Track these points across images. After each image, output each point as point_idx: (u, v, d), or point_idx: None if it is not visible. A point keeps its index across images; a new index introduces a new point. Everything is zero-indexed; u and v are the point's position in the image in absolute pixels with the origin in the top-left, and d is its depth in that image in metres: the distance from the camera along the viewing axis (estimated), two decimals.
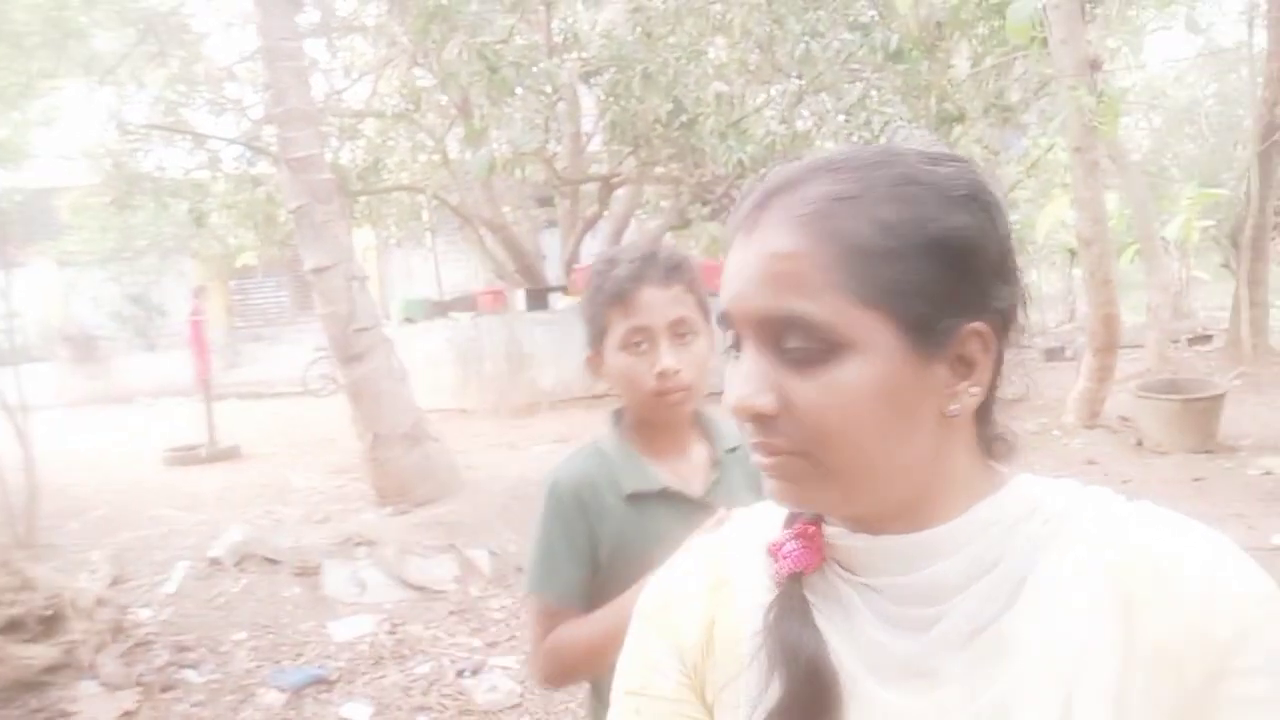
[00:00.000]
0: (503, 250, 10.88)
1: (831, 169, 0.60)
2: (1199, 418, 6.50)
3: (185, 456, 7.49)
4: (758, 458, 0.61)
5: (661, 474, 1.36)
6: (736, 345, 0.62)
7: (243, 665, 3.91)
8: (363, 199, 10.49)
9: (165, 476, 7.05)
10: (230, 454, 7.61)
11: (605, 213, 10.18)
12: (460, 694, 3.59)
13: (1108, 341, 6.92)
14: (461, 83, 6.32)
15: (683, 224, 11.65)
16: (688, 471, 1.39)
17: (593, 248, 11.02)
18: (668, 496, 1.34)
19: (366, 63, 9.75)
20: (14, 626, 3.91)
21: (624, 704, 0.71)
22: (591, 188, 9.94)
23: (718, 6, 7.00)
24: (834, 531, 0.64)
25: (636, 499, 1.34)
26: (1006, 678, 0.59)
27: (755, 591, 0.66)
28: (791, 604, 0.63)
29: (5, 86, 9.51)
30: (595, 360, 1.41)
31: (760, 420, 0.60)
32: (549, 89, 6.77)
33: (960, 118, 6.85)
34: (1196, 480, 5.80)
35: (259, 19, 5.34)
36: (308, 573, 4.75)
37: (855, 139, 6.60)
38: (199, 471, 7.04)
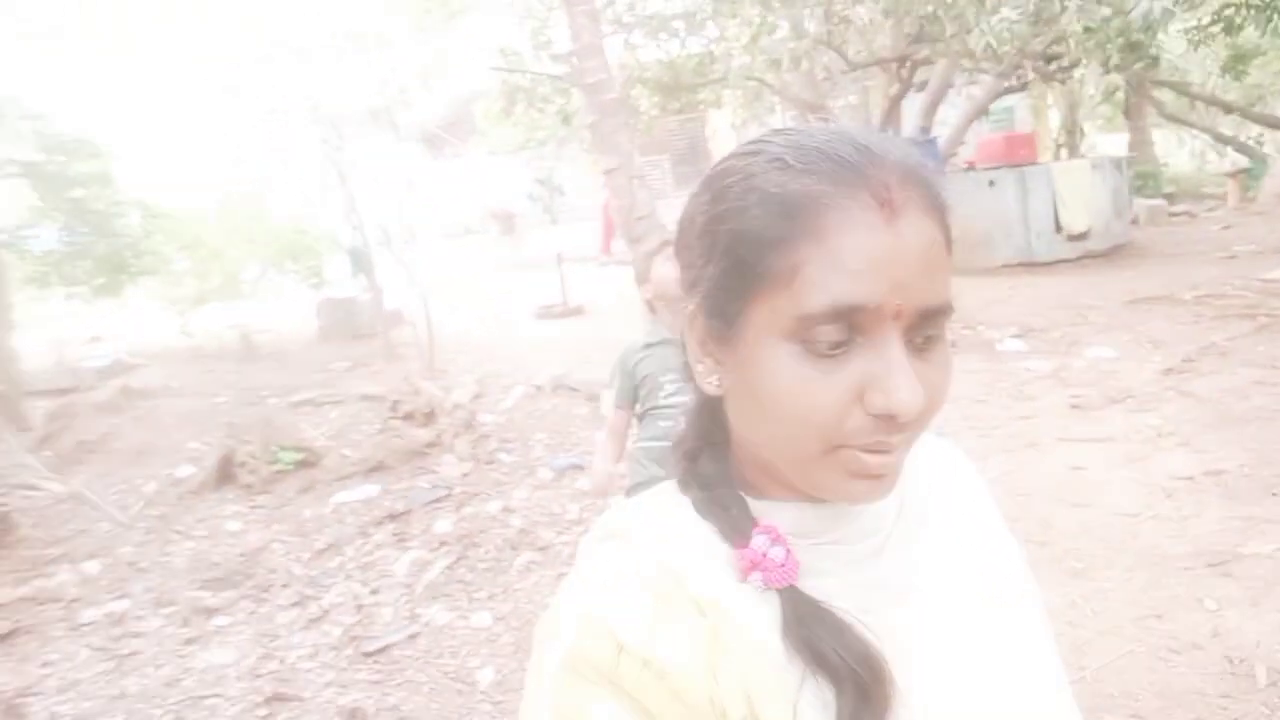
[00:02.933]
0: None
1: (909, 150, 0.60)
2: None
3: (546, 312, 9.78)
4: (880, 460, 0.57)
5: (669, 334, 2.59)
6: (853, 339, 0.56)
7: (536, 454, 5.83)
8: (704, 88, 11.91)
9: (531, 326, 9.40)
10: (578, 311, 9.77)
11: (912, 90, 10.51)
12: None
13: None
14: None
15: (1019, 86, 11.45)
16: None
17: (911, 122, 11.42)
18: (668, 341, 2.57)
19: None
20: (408, 417, 6.23)
21: None
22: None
23: None
24: (784, 505, 0.64)
25: (650, 346, 2.65)
26: (950, 557, 0.69)
27: (750, 611, 0.60)
28: (814, 612, 0.60)
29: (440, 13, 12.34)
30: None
31: (901, 423, 0.56)
32: None
33: None
34: None
35: None
36: (592, 398, 6.57)
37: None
38: (554, 324, 9.27)
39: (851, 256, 0.54)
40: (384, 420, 6.21)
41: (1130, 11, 5.81)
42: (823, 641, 0.59)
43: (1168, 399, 5.47)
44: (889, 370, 0.55)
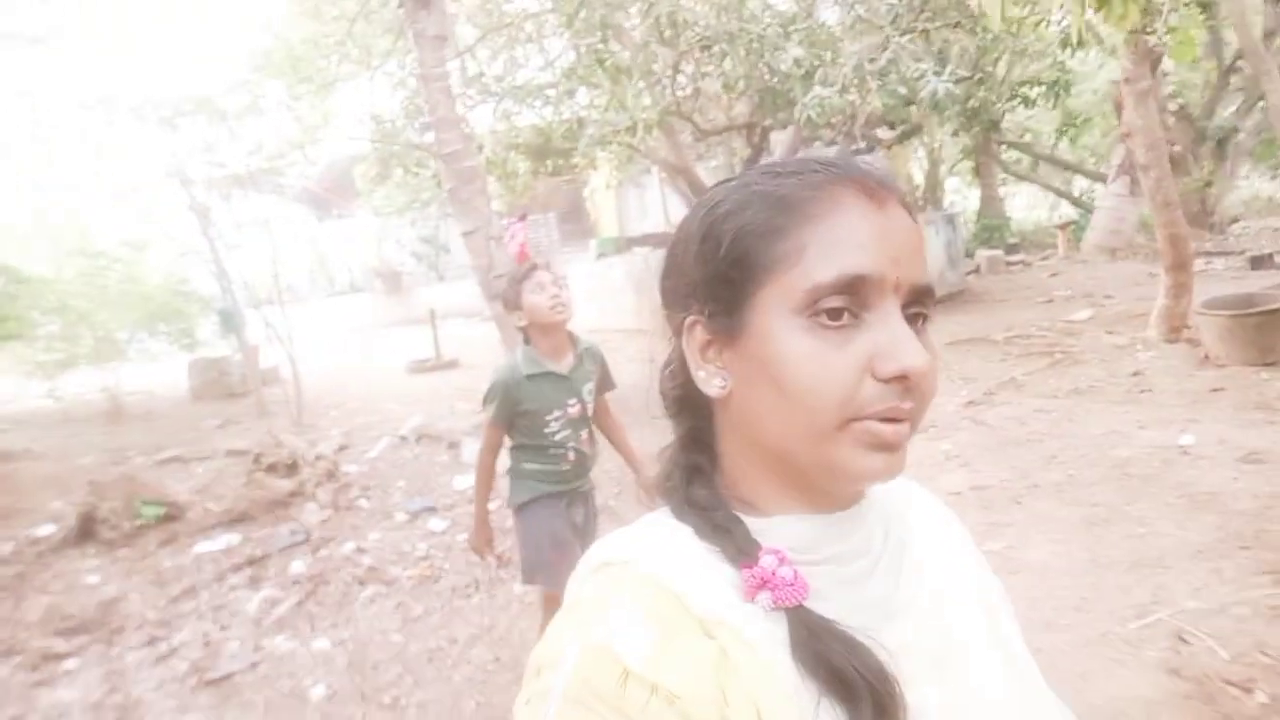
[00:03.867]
0: (689, 190, 12.46)
1: (877, 165, 0.68)
2: (1253, 332, 6.73)
3: (419, 366, 10.12)
4: (895, 429, 0.60)
5: (546, 362, 2.74)
6: (857, 312, 0.60)
7: (394, 499, 6.15)
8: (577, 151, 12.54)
9: (402, 380, 9.72)
10: (451, 364, 10.13)
11: (763, 156, 11.39)
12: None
13: (1177, 260, 7.23)
14: (580, 73, 8.02)
15: (868, 149, 12.41)
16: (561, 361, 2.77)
17: None
18: (549, 375, 2.73)
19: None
20: (271, 469, 6.46)
21: None
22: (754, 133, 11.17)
23: None
24: (781, 520, 0.66)
25: (532, 378, 2.73)
26: (933, 583, 0.73)
27: (758, 631, 0.61)
28: (825, 630, 0.61)
29: (313, 84, 12.68)
30: (516, 308, 2.77)
31: (913, 383, 0.60)
32: (657, 68, 8.26)
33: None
34: (1214, 390, 6.24)
35: (418, 55, 7.39)
36: (453, 445, 6.94)
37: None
38: (426, 377, 9.61)
39: (853, 233, 0.59)
40: (248, 473, 6.43)
41: (920, 94, 6.63)
42: (838, 657, 0.59)
43: (963, 427, 6.18)
44: (895, 337, 0.59)
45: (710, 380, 0.66)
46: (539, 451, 2.81)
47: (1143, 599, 3.38)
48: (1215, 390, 6.22)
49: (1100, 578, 3.63)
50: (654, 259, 11.67)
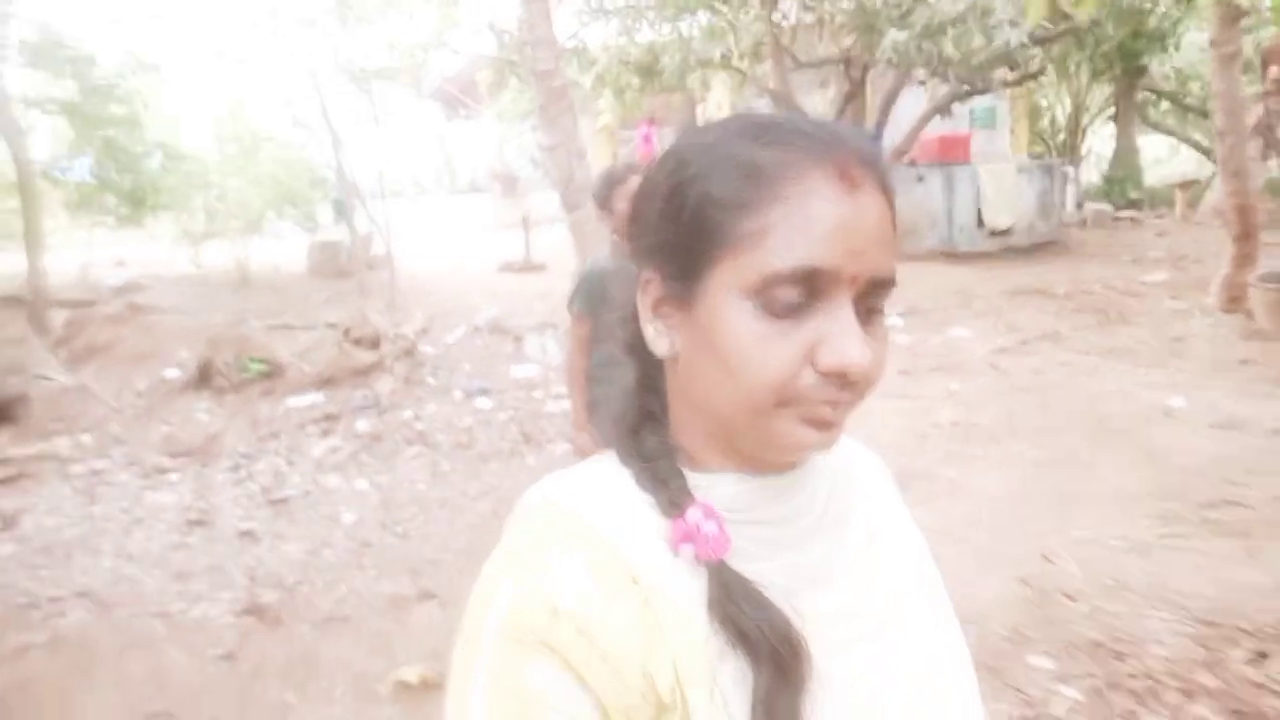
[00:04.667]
0: None
1: (864, 136, 0.64)
2: None
3: (508, 266, 10.92)
4: (828, 413, 0.61)
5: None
6: (809, 301, 0.59)
7: (456, 379, 7.00)
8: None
9: (492, 278, 10.55)
10: (539, 267, 10.88)
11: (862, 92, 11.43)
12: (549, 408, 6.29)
13: (1243, 230, 7.17)
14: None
15: (982, 89, 12.29)
16: None
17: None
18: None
19: None
20: (358, 342, 7.40)
21: None
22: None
23: None
24: (722, 478, 0.66)
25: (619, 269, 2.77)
26: (872, 551, 0.74)
27: (679, 583, 0.63)
28: (740, 588, 0.62)
29: None
30: (606, 215, 2.91)
31: (851, 379, 0.60)
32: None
33: None
34: (1243, 361, 6.33)
35: None
36: (518, 339, 7.72)
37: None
38: (512, 277, 10.40)
39: (816, 223, 0.58)
40: (338, 344, 7.39)
41: (994, 41, 6.75)
42: (745, 617, 0.61)
43: (982, 371, 6.51)
44: (841, 331, 0.59)
45: (658, 339, 0.67)
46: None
47: (1043, 527, 3.81)
48: (1244, 361, 6.31)
49: (1021, 506, 4.06)
50: None
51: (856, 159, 0.61)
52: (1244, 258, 7.32)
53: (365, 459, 5.39)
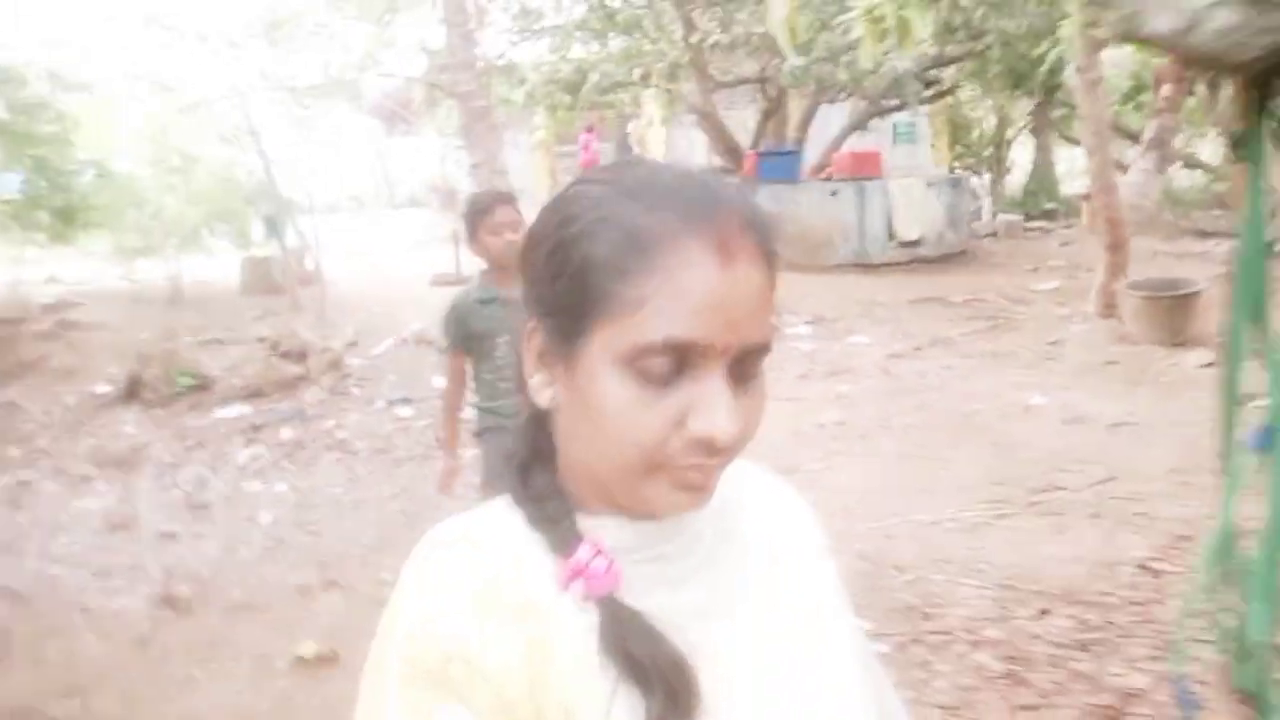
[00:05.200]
0: (714, 133, 13.16)
1: (749, 199, 0.65)
2: (1164, 314, 7.32)
3: (439, 279, 11.24)
4: (697, 478, 0.63)
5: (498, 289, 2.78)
6: (681, 369, 0.60)
7: (380, 390, 7.31)
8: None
9: (423, 290, 10.86)
10: (467, 280, 11.13)
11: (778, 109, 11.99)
12: None
13: (1114, 241, 7.80)
14: (593, 25, 8.84)
15: (898, 106, 12.92)
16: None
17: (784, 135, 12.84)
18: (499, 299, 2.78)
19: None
20: (286, 355, 7.68)
21: None
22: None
23: None
24: (608, 521, 0.67)
25: (483, 302, 2.83)
26: (765, 585, 0.74)
27: (570, 620, 0.64)
28: (631, 621, 0.64)
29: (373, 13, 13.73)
30: (473, 243, 2.86)
31: (720, 448, 0.61)
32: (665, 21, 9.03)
33: None
34: (1108, 363, 6.91)
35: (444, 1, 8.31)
36: (443, 350, 8.03)
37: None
38: (443, 290, 10.71)
39: (690, 296, 0.59)
40: (265, 358, 7.66)
41: (882, 68, 7.27)
42: (636, 648, 0.62)
43: (871, 375, 7.00)
44: (711, 401, 0.60)
45: (541, 390, 0.68)
46: (491, 386, 2.88)
47: (891, 511, 4.27)
48: (1108, 363, 6.89)
49: (876, 495, 4.52)
50: None
51: (738, 226, 0.61)
52: (1116, 266, 7.94)
53: (286, 465, 5.69)
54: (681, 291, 0.59)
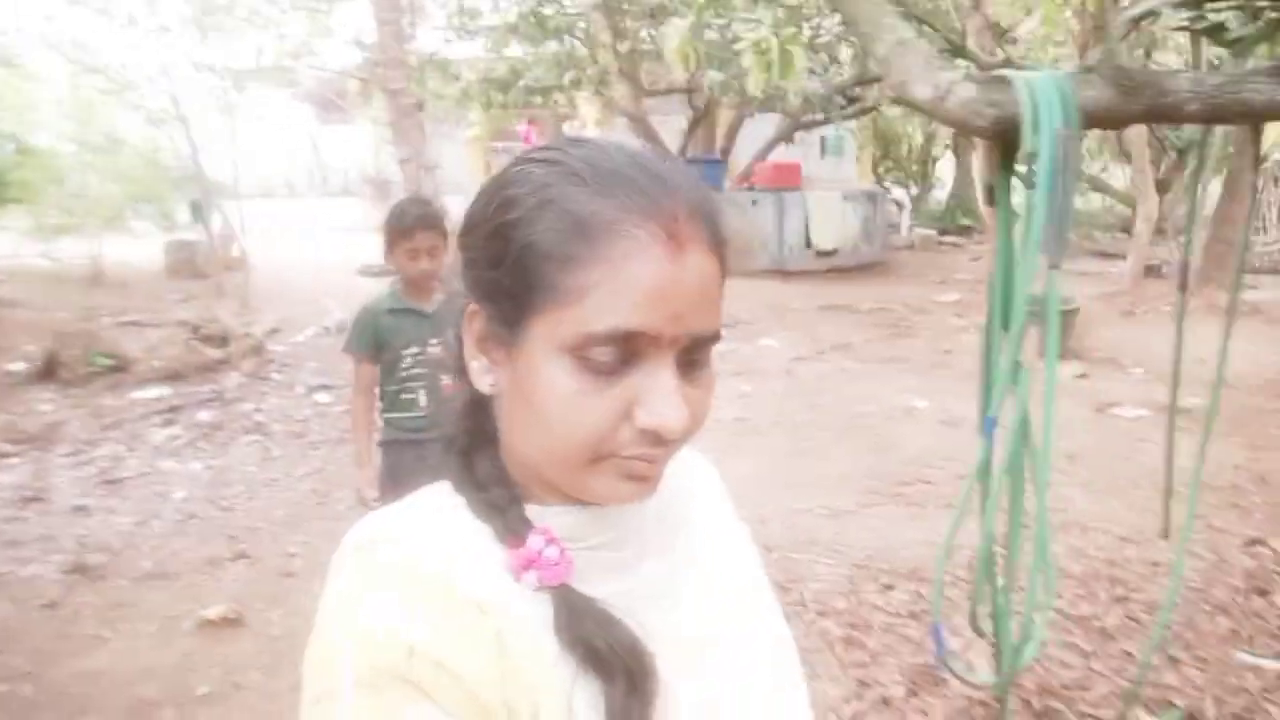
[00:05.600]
0: (645, 138, 13.50)
1: (697, 184, 0.63)
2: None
3: (366, 270, 11.39)
4: (644, 469, 0.62)
5: (409, 301, 2.79)
6: (628, 359, 0.59)
7: (301, 376, 7.47)
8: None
9: (350, 280, 11.00)
10: (394, 271, 11.28)
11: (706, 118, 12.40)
12: None
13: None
14: (523, 30, 9.10)
15: (822, 120, 13.41)
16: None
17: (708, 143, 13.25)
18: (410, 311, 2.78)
19: None
20: (207, 339, 7.79)
21: None
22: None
23: None
24: (555, 510, 0.66)
25: (393, 312, 2.79)
26: (705, 569, 0.75)
27: (525, 610, 0.63)
28: (586, 609, 0.63)
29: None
30: (389, 256, 2.81)
31: (667, 438, 0.60)
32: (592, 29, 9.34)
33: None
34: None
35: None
36: None
37: None
38: (370, 280, 10.87)
39: (638, 286, 0.57)
40: (185, 341, 7.75)
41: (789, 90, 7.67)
42: (594, 635, 0.62)
43: (776, 376, 7.42)
44: (659, 392, 0.59)
45: (482, 376, 0.66)
46: (394, 398, 2.83)
47: (770, 500, 4.65)
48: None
49: (759, 486, 4.89)
50: None
51: (687, 213, 0.60)
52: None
53: (202, 445, 5.85)
54: (629, 281, 0.58)
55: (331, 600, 0.62)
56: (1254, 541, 4.06)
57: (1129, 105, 2.01)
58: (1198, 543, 4.01)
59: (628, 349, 0.59)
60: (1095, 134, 14.50)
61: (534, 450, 0.63)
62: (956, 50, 2.55)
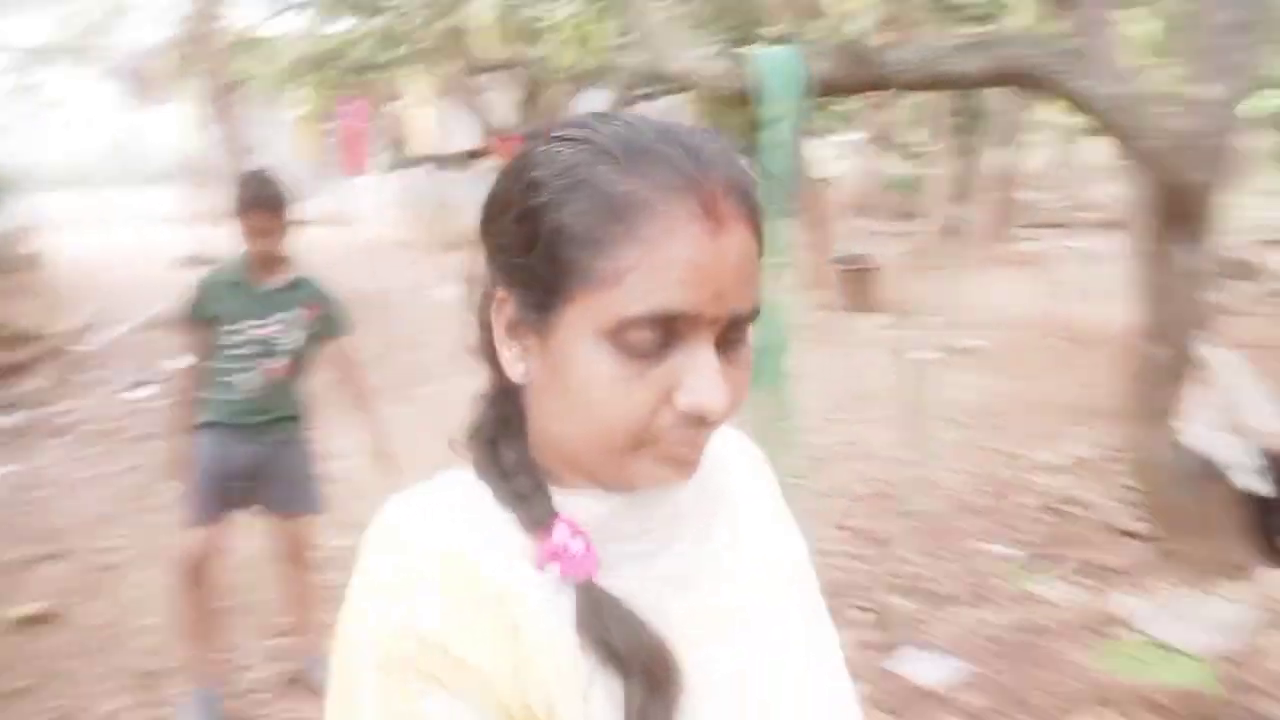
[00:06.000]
0: (478, 114, 13.41)
1: (733, 158, 0.60)
2: (854, 285, 8.49)
3: (184, 261, 10.91)
4: (686, 452, 0.61)
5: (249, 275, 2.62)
6: (667, 341, 0.58)
7: (115, 374, 7.15)
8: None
9: (168, 272, 10.51)
10: (213, 261, 10.86)
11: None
12: None
13: (814, 219, 8.91)
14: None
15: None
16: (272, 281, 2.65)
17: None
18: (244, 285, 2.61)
19: None
20: (7, 341, 7.33)
21: None
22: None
23: None
24: (586, 497, 0.65)
25: (230, 284, 2.62)
26: (743, 545, 0.73)
27: (545, 602, 0.61)
28: (609, 607, 0.61)
29: None
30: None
31: (709, 420, 0.59)
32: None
33: None
34: (805, 327, 7.90)
35: None
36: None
37: None
38: (188, 272, 10.40)
39: (677, 266, 0.55)
40: None
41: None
42: (614, 636, 0.60)
43: None
44: (700, 374, 0.57)
45: (514, 363, 0.64)
46: (218, 376, 2.67)
47: None
48: (806, 327, 7.90)
49: None
50: (433, 176, 12.72)
51: (724, 190, 0.58)
52: (819, 243, 9.06)
53: (3, 452, 5.55)
54: (667, 261, 0.56)
55: (359, 580, 0.62)
56: (1011, 455, 4.76)
57: (857, 75, 2.29)
58: (965, 458, 4.64)
59: (667, 331, 0.57)
60: (911, 104, 15.47)
61: (572, 438, 0.62)
62: (743, 29, 2.80)
